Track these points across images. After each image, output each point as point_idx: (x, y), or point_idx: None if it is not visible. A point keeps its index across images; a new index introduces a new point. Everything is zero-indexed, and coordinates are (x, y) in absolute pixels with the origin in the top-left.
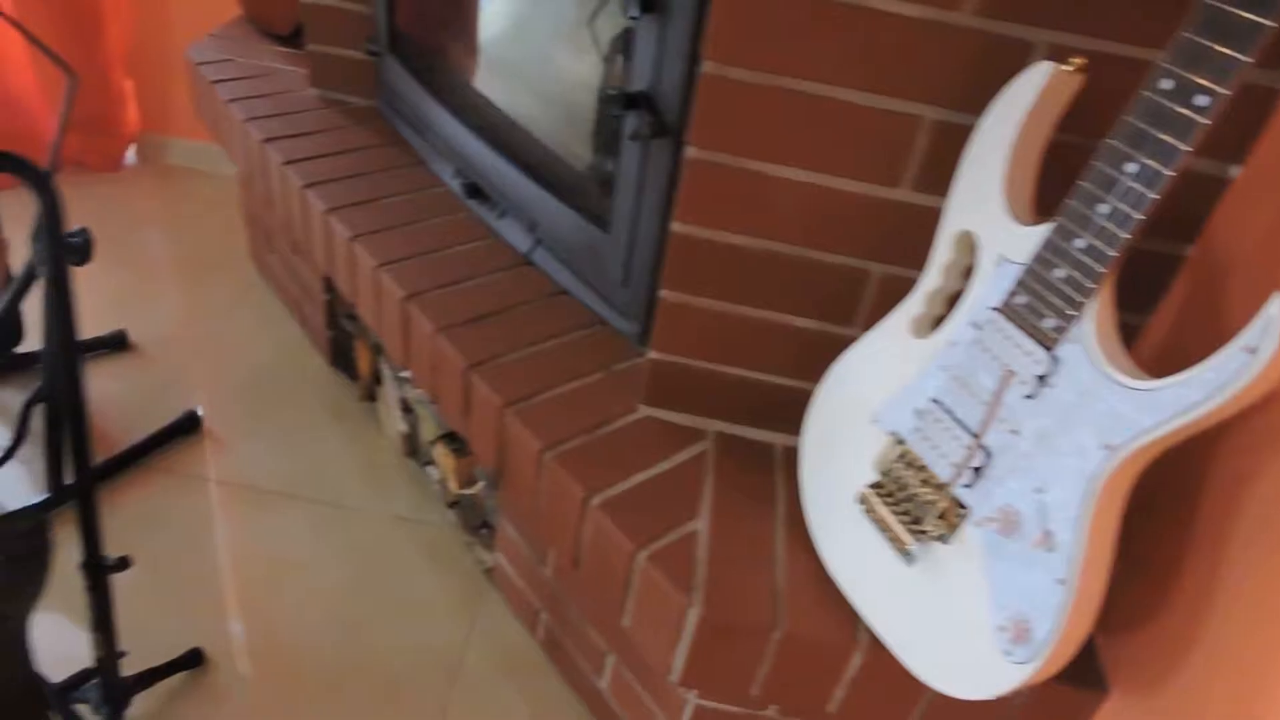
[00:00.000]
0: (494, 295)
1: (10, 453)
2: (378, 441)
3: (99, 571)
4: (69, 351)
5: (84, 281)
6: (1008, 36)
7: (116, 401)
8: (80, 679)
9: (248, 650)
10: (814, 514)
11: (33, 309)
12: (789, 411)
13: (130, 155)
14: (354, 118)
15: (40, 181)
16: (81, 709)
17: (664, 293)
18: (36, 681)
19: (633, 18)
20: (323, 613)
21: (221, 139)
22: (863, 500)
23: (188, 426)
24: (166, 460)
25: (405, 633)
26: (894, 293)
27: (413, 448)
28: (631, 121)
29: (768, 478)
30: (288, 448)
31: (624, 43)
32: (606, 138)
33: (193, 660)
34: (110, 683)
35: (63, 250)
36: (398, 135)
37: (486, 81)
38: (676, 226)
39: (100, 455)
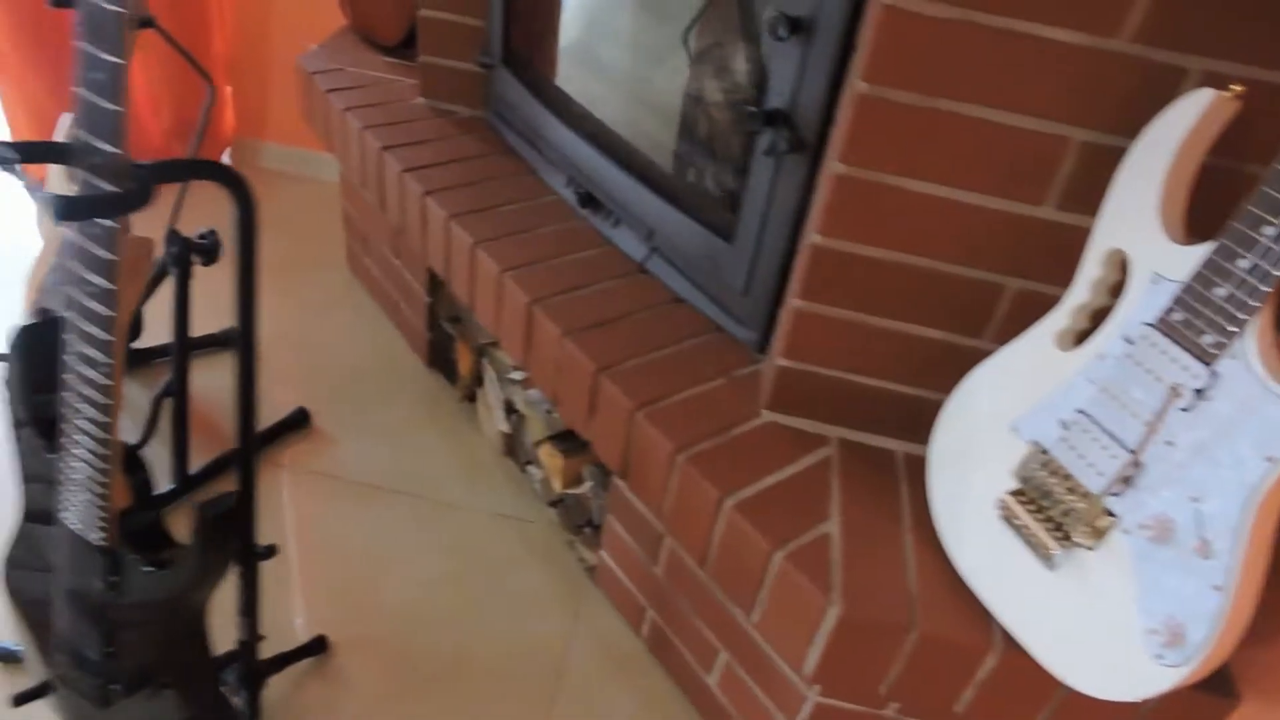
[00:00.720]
0: (613, 302)
1: (142, 444)
2: (475, 440)
3: (251, 558)
4: (247, 357)
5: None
6: (1162, 63)
7: (229, 396)
8: (223, 662)
9: (365, 638)
10: (945, 518)
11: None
12: (912, 419)
13: (225, 158)
14: (462, 127)
15: (240, 188)
16: (223, 690)
17: (797, 302)
18: (214, 663)
19: (779, 39)
20: (432, 604)
21: (332, 146)
22: (1003, 507)
23: (298, 422)
24: (279, 454)
25: (511, 626)
26: (1028, 307)
27: (511, 447)
28: (767, 137)
29: (891, 483)
30: (391, 445)
31: (757, 60)
32: (732, 151)
33: (318, 646)
34: (250, 665)
35: (252, 255)
36: (506, 145)
37: (605, 95)
38: (816, 239)
39: (217, 449)
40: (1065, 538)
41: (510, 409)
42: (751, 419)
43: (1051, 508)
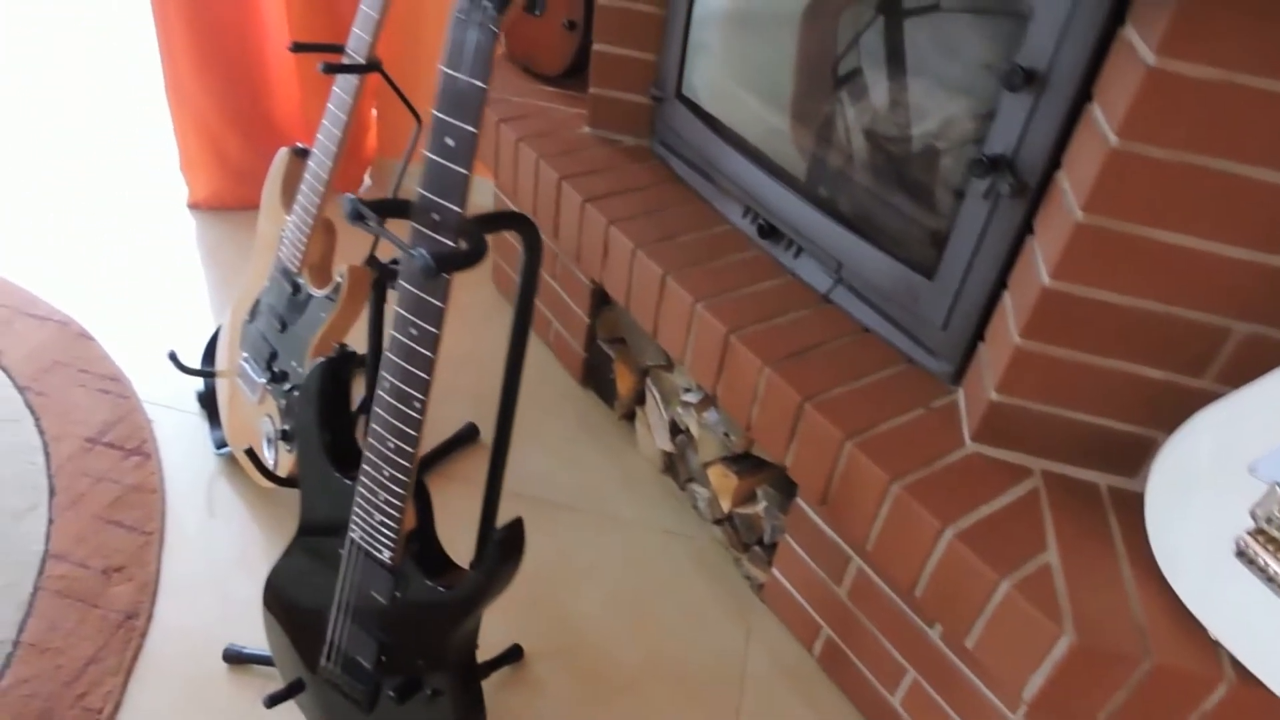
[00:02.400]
0: (804, 332)
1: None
2: (634, 457)
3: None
4: (511, 388)
5: None
6: None
7: None
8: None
9: (556, 648)
10: (1168, 552)
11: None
12: (1119, 453)
13: (366, 178)
14: (630, 156)
15: (533, 237)
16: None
17: (1019, 341)
18: (478, 672)
19: (1012, 89)
20: (613, 615)
21: (498, 173)
22: (1240, 545)
23: (468, 437)
24: (452, 468)
25: (688, 640)
26: (1255, 350)
27: (671, 465)
28: (988, 182)
29: (1100, 515)
30: (555, 460)
31: (971, 103)
32: (933, 189)
33: (514, 655)
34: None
35: (532, 295)
36: (674, 174)
37: (786, 128)
38: (1048, 282)
39: None
40: None
41: (675, 429)
42: (956, 449)
43: None
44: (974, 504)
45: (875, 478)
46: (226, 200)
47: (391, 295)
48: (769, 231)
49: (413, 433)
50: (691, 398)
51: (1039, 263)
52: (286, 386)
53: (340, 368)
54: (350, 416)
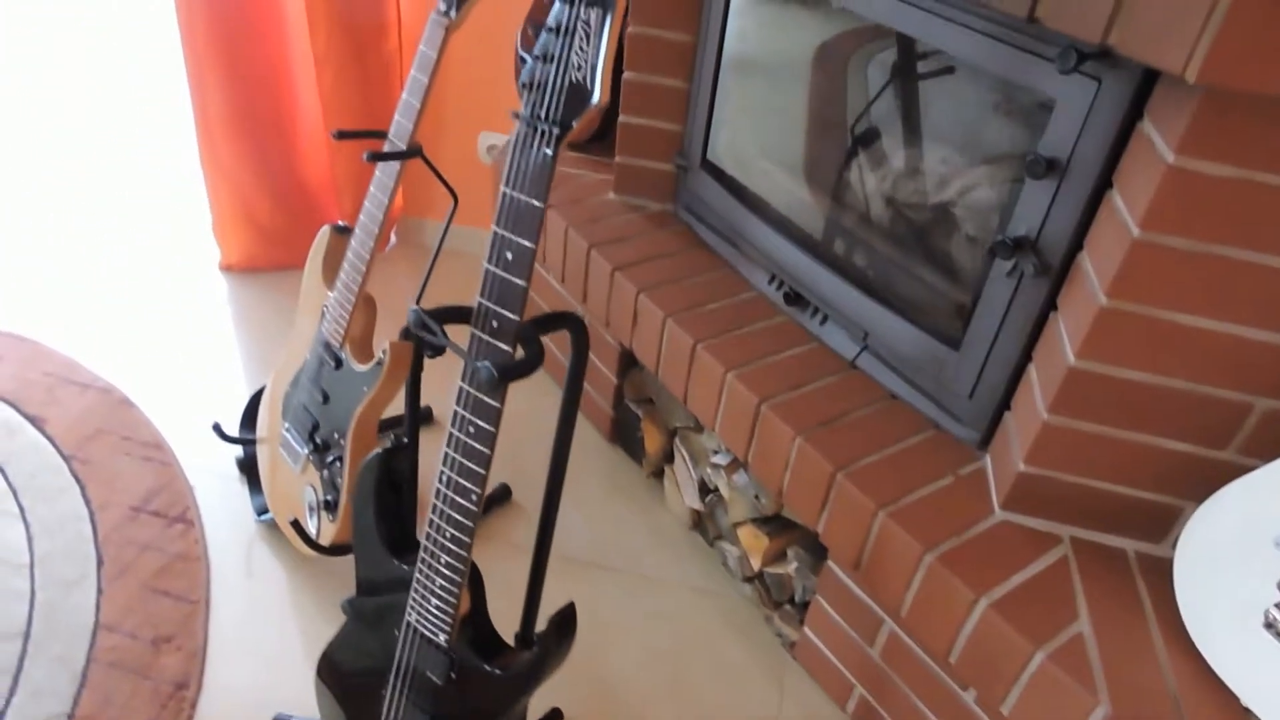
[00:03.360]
0: (832, 400)
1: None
2: (663, 515)
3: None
4: (557, 475)
5: None
6: None
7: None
8: None
9: (594, 711)
10: (1198, 622)
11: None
12: (1147, 521)
13: (392, 236)
14: (655, 221)
15: (581, 335)
16: None
17: (1046, 416)
18: None
19: (1035, 177)
20: (648, 675)
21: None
22: (1270, 618)
23: (501, 497)
24: (486, 528)
25: (724, 698)
26: (1277, 424)
27: (700, 522)
28: (1012, 262)
29: (1129, 582)
30: (584, 517)
31: (995, 185)
32: (959, 264)
33: (556, 718)
34: None
35: (579, 388)
36: (698, 239)
37: (816, 199)
38: (1073, 362)
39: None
40: None
41: (704, 488)
42: (986, 517)
43: None
44: (1006, 573)
45: (909, 547)
46: (258, 262)
47: (430, 366)
48: (795, 299)
49: (468, 523)
50: (721, 459)
51: (1064, 341)
52: (330, 458)
53: (393, 461)
54: (407, 506)
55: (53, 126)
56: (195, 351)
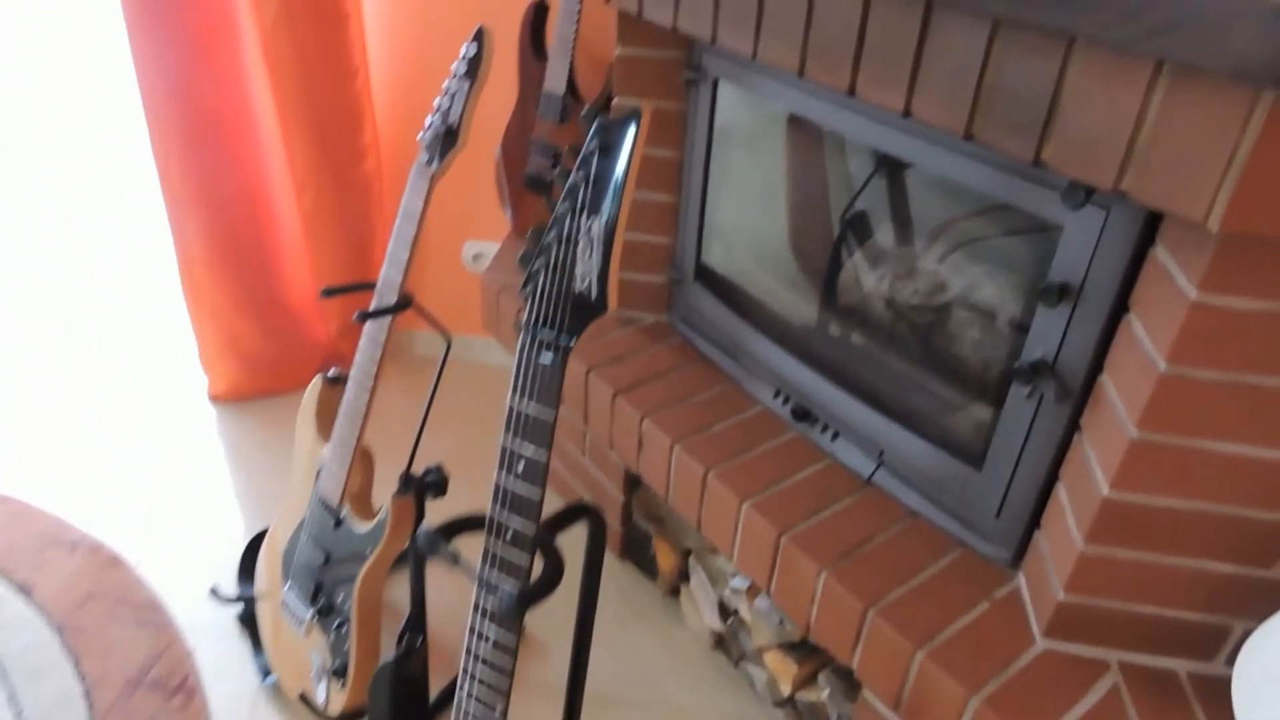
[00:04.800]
0: (853, 525)
1: None
2: (682, 635)
3: None
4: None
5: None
6: None
7: (436, 602)
8: None
9: None
10: None
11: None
12: (1196, 641)
13: None
14: (651, 335)
15: (599, 526)
16: None
17: (1083, 546)
18: None
19: (1049, 305)
20: None
21: None
22: None
23: None
24: None
25: None
26: None
27: (722, 642)
28: (1031, 386)
29: (1185, 706)
30: (604, 646)
31: (1011, 308)
32: (977, 384)
33: None
34: None
35: (598, 581)
36: (697, 352)
37: (817, 313)
38: (1109, 493)
39: (436, 661)
40: None
41: (725, 609)
42: (1028, 647)
43: None
44: (1058, 711)
45: (952, 691)
46: (246, 391)
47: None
48: (803, 414)
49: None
50: (740, 583)
51: (1095, 469)
52: (336, 621)
53: (405, 665)
54: (426, 705)
55: (30, 266)
56: (187, 494)
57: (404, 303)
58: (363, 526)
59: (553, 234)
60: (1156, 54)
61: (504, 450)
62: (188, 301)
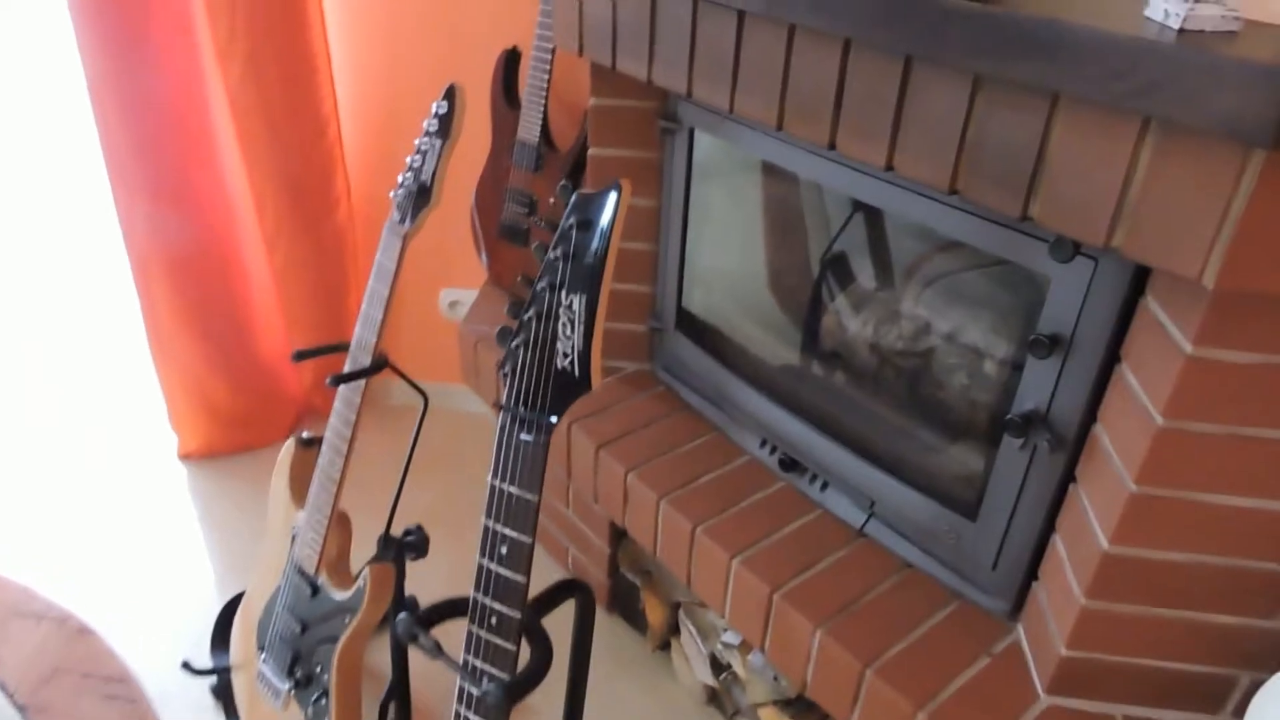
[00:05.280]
0: (847, 579)
1: None
2: (674, 691)
3: None
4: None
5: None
6: None
7: (419, 660)
8: None
9: None
10: None
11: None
12: (1201, 693)
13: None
14: (634, 385)
15: (587, 599)
16: None
17: (1084, 601)
18: None
19: (1039, 358)
20: None
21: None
22: None
23: None
24: None
25: None
26: None
27: (715, 697)
28: (1024, 438)
29: None
30: (591, 701)
31: (998, 360)
32: (967, 435)
33: None
34: None
35: (588, 658)
36: (680, 400)
37: (806, 362)
38: (1109, 548)
39: None
40: None
41: (717, 664)
42: (1032, 704)
43: None
44: None
45: None
46: (218, 448)
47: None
48: (791, 464)
49: None
50: (732, 638)
51: (1094, 524)
52: (314, 694)
53: None
54: None
55: None
56: (159, 558)
57: (378, 365)
58: (341, 594)
59: (532, 310)
60: (1143, 112)
61: (486, 531)
62: (155, 362)
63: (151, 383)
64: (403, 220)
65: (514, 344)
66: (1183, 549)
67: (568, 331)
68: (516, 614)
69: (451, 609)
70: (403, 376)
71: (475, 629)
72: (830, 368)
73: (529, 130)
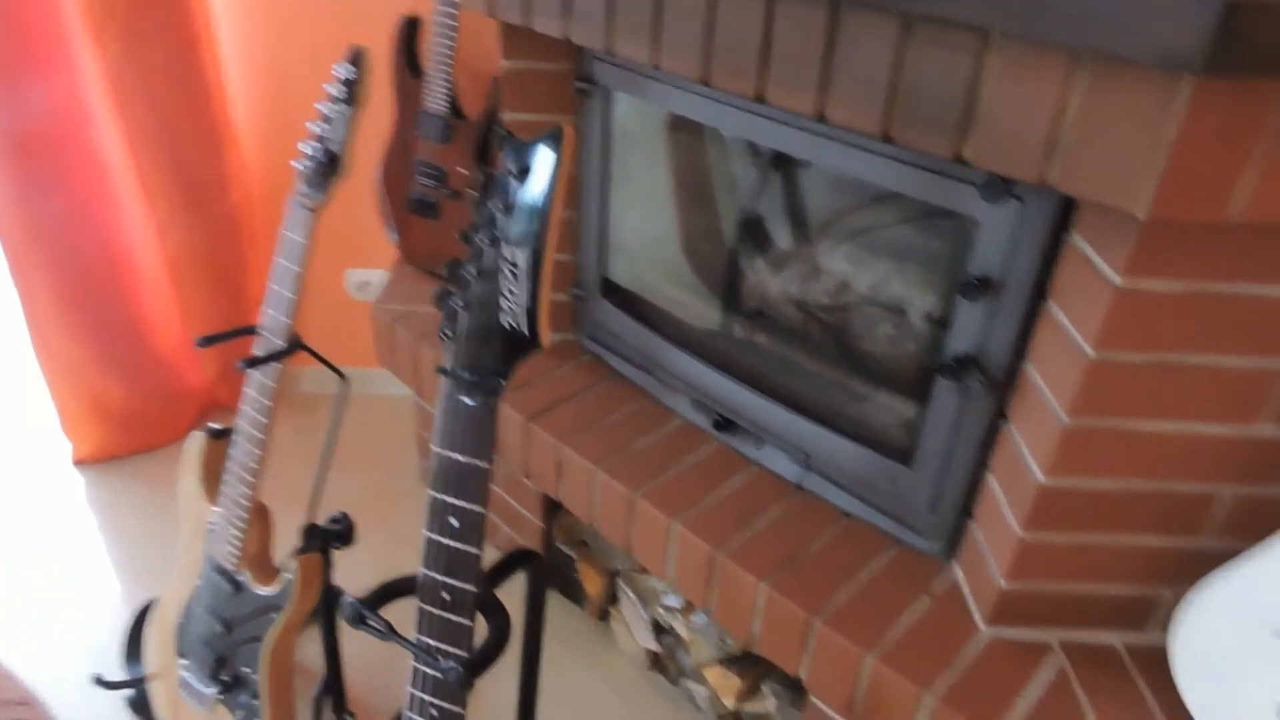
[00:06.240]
0: (787, 532)
1: None
2: (617, 660)
3: None
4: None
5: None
6: None
7: (352, 655)
8: None
9: None
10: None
11: None
12: (1129, 612)
13: None
14: (559, 356)
15: (539, 578)
16: None
17: (1020, 533)
18: None
19: (970, 300)
20: None
21: (424, 391)
22: None
23: None
24: None
25: None
26: (1241, 507)
27: (658, 661)
28: (958, 380)
29: (1129, 681)
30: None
31: (926, 302)
32: (899, 380)
33: None
34: None
35: (541, 631)
36: (609, 368)
37: (733, 319)
38: (1045, 481)
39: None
40: None
41: (659, 630)
42: (972, 636)
43: None
44: (1010, 696)
45: (905, 691)
46: (116, 450)
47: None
48: (725, 424)
49: None
50: (673, 601)
51: (1029, 459)
52: (242, 696)
53: None
54: None
55: None
56: (58, 572)
57: (293, 345)
58: (266, 590)
59: (470, 268)
60: (1074, 45)
61: (433, 503)
62: (41, 364)
63: (40, 386)
64: (312, 192)
65: (453, 306)
66: (1114, 476)
67: (512, 289)
68: (472, 588)
69: (399, 588)
70: (320, 359)
71: (428, 607)
72: (758, 324)
73: (435, 100)
